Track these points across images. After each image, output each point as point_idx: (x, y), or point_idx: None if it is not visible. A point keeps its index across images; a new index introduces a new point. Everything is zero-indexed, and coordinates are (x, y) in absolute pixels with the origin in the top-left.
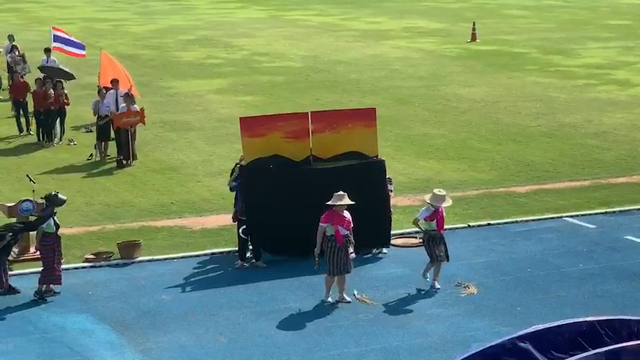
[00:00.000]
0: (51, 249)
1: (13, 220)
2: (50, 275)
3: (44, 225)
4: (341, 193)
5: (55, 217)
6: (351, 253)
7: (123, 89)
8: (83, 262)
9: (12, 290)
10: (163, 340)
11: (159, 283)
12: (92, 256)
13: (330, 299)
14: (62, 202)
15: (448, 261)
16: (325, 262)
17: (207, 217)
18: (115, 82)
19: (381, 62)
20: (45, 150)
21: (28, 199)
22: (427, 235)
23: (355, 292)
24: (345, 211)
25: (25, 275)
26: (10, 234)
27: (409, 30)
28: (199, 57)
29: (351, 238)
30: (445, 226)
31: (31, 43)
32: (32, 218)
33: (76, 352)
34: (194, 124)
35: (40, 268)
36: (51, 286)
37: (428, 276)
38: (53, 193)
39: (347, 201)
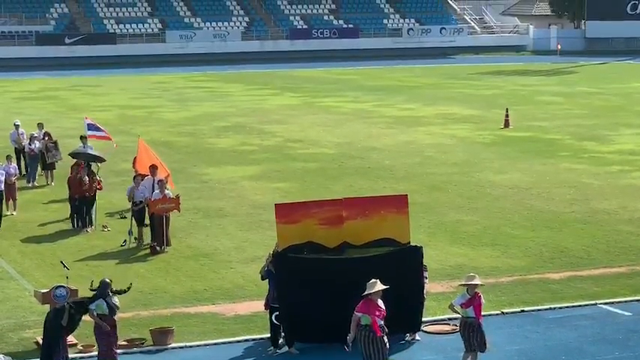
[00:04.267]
0: (105, 331)
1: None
2: (105, 356)
3: (93, 306)
4: (373, 280)
5: (109, 300)
6: (387, 342)
7: (160, 176)
8: (116, 348)
9: None
10: None
11: None
12: (125, 343)
13: None
14: (106, 285)
15: (483, 351)
16: (361, 352)
17: (240, 303)
18: (153, 168)
19: (415, 149)
20: (79, 236)
21: (61, 285)
22: (463, 322)
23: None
24: (379, 301)
25: None
26: (72, 306)
27: (442, 116)
28: (233, 144)
29: (386, 328)
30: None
31: (67, 131)
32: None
33: None
34: (227, 211)
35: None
36: None
37: None
38: (107, 279)
39: (380, 286)
